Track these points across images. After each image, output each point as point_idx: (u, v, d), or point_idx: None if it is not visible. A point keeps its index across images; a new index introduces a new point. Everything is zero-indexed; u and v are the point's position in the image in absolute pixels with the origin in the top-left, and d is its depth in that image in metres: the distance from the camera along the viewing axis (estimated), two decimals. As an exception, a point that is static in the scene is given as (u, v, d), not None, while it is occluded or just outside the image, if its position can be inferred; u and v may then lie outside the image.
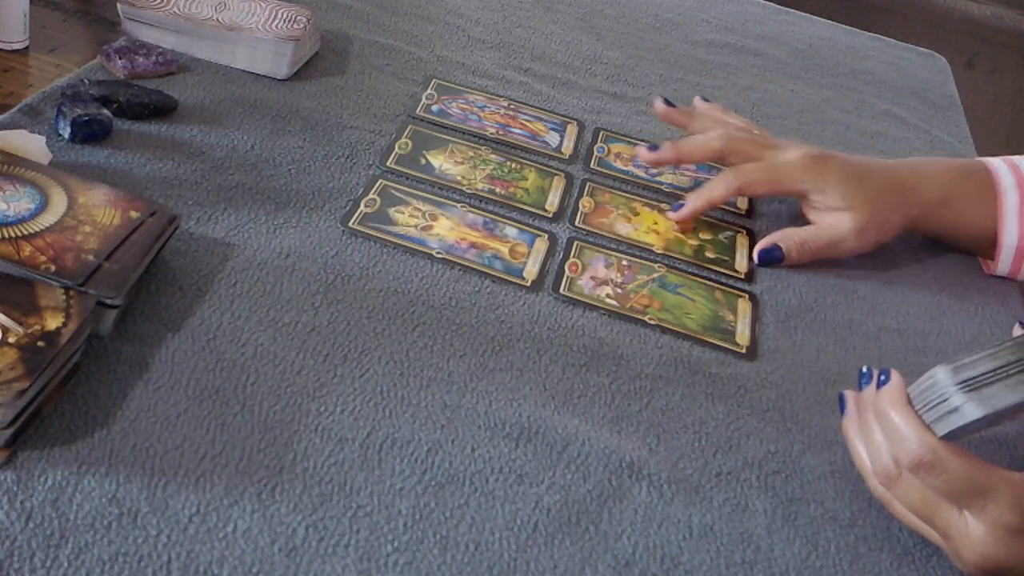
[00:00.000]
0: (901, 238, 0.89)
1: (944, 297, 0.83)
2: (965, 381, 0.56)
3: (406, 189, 0.79)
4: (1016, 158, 0.85)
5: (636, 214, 0.83)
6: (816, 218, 0.82)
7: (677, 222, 0.82)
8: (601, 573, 0.54)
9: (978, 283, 0.86)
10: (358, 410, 0.60)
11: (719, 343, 0.72)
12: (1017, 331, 0.72)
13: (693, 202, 0.82)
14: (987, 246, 0.85)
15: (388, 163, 0.81)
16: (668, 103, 0.88)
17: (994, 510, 0.55)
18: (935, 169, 0.85)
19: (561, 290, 0.73)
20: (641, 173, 0.89)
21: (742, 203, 0.88)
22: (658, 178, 0.89)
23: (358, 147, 0.83)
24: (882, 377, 0.61)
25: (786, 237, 0.81)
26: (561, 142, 0.90)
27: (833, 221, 0.81)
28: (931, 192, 0.83)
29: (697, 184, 0.89)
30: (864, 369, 0.64)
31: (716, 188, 0.81)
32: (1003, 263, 0.85)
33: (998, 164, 0.85)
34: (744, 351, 0.72)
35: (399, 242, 0.73)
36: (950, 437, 0.57)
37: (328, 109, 0.86)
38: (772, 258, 0.80)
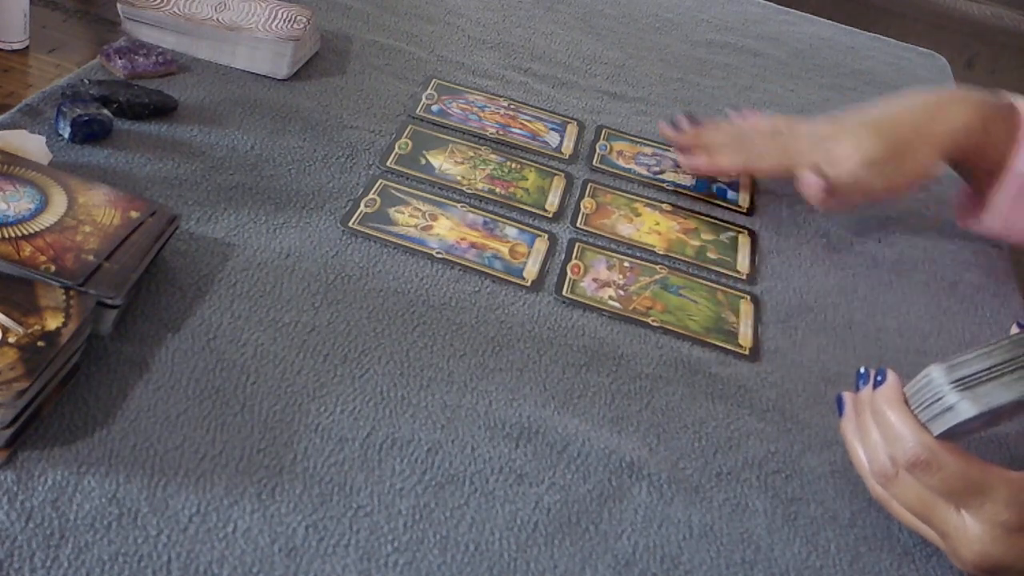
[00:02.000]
0: (900, 239, 0.89)
1: (944, 297, 0.83)
2: (960, 380, 0.56)
3: (406, 189, 0.79)
4: None
5: (638, 215, 0.83)
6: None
7: (683, 166, 0.84)
8: (601, 573, 0.54)
9: (978, 283, 0.86)
10: (358, 410, 0.59)
11: (722, 345, 0.72)
12: (1014, 331, 0.72)
13: (703, 163, 0.85)
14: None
15: (388, 163, 0.81)
16: (677, 125, 0.89)
17: (991, 508, 0.55)
18: (965, 98, 0.82)
19: (563, 292, 0.73)
20: (643, 171, 0.89)
21: (743, 200, 0.88)
22: (660, 176, 0.89)
23: (358, 147, 0.83)
24: (879, 377, 0.61)
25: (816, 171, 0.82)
26: (561, 142, 0.90)
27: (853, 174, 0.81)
28: (961, 119, 0.80)
29: (700, 183, 0.89)
30: (861, 370, 0.64)
31: (724, 158, 0.85)
32: (1000, 202, 0.82)
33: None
34: (747, 352, 0.72)
35: (399, 242, 0.73)
36: (946, 436, 0.57)
37: (328, 109, 0.86)
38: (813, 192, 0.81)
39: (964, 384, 0.56)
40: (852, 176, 0.81)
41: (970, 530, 0.56)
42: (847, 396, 0.64)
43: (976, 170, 0.84)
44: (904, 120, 0.82)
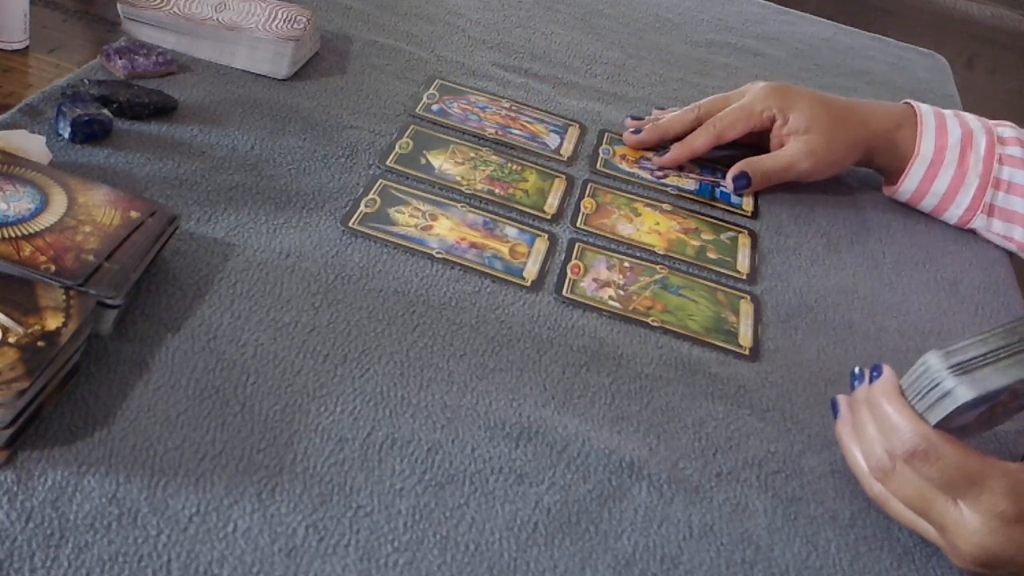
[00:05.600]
0: (900, 239, 0.89)
1: (944, 297, 0.83)
2: (957, 365, 0.57)
3: (406, 189, 0.79)
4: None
5: (638, 215, 0.83)
6: (777, 145, 0.90)
7: (661, 166, 0.89)
8: (601, 573, 0.54)
9: (978, 283, 0.86)
10: (358, 410, 0.59)
11: (722, 345, 0.72)
12: None
13: (677, 151, 0.89)
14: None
15: (388, 162, 0.81)
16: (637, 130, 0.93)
17: (989, 499, 0.55)
18: (886, 106, 0.93)
19: (563, 292, 0.73)
20: (647, 175, 0.89)
21: (747, 205, 0.88)
22: (663, 180, 0.89)
23: (358, 147, 0.83)
24: (874, 373, 0.62)
25: (750, 164, 0.89)
26: (561, 144, 0.90)
27: (790, 146, 0.89)
28: (884, 121, 0.90)
29: (703, 187, 0.89)
30: (856, 370, 0.64)
31: (698, 139, 0.89)
32: (912, 177, 0.90)
33: (919, 104, 0.93)
34: (747, 353, 0.72)
35: (399, 242, 0.73)
36: (943, 425, 0.57)
37: (328, 109, 0.86)
38: (741, 185, 0.88)
39: (962, 369, 0.57)
40: (790, 163, 0.89)
41: (968, 522, 0.56)
42: (841, 398, 0.64)
43: (883, 167, 0.93)
44: (851, 123, 0.90)
